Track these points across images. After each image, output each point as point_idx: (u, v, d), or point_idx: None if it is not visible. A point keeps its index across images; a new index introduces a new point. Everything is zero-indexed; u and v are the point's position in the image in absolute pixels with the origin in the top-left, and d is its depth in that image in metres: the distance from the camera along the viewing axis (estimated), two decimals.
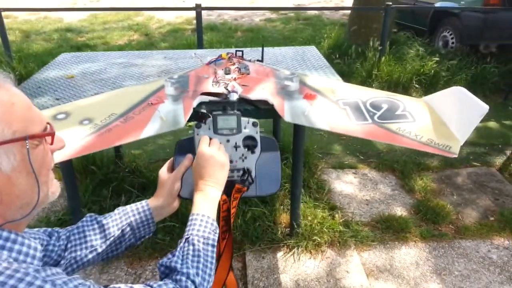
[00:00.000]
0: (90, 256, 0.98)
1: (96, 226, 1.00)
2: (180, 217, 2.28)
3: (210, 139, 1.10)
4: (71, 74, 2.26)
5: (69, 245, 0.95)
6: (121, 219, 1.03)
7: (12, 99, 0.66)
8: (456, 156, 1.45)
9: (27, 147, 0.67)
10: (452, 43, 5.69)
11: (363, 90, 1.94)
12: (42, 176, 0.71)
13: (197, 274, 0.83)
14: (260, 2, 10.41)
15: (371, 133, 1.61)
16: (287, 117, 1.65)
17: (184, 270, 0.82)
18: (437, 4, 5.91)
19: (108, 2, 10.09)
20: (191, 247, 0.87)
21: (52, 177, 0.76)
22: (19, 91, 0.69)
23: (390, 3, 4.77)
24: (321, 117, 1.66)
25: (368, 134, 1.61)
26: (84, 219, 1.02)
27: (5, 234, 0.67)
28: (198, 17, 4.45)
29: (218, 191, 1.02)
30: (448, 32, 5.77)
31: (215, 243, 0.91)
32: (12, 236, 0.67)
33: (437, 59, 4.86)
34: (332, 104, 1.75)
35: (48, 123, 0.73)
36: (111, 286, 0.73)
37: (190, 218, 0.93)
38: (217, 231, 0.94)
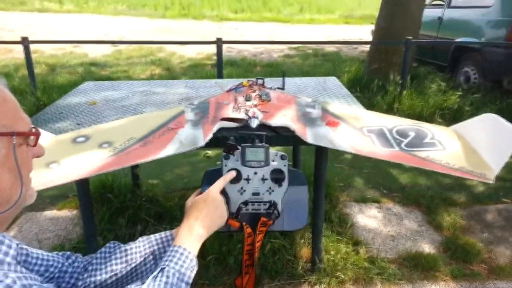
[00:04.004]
0: (109, 281, 0.95)
1: (117, 251, 0.99)
2: (205, 253, 2.20)
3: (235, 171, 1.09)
4: (94, 100, 2.27)
5: (90, 268, 0.95)
6: (144, 247, 1.01)
7: (4, 96, 0.70)
8: (492, 182, 1.35)
9: (14, 142, 0.69)
10: (475, 78, 5.61)
11: (388, 118, 1.88)
12: (23, 176, 0.73)
13: None
14: (278, 39, 10.64)
15: (398, 157, 1.54)
16: (309, 139, 1.60)
17: None
18: (458, 39, 5.89)
19: (132, 38, 10.45)
20: (164, 279, 0.81)
21: (31, 181, 0.78)
22: (10, 93, 0.73)
23: (411, 37, 4.78)
24: (344, 141, 1.60)
25: (395, 158, 1.54)
26: (107, 245, 1.01)
27: None
28: (219, 50, 4.55)
29: (205, 232, 0.96)
30: (469, 68, 5.71)
31: (190, 281, 0.85)
32: None
33: (460, 93, 4.77)
34: (356, 132, 1.70)
35: (33, 127, 0.76)
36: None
37: (171, 249, 0.88)
38: (195, 269, 0.88)
